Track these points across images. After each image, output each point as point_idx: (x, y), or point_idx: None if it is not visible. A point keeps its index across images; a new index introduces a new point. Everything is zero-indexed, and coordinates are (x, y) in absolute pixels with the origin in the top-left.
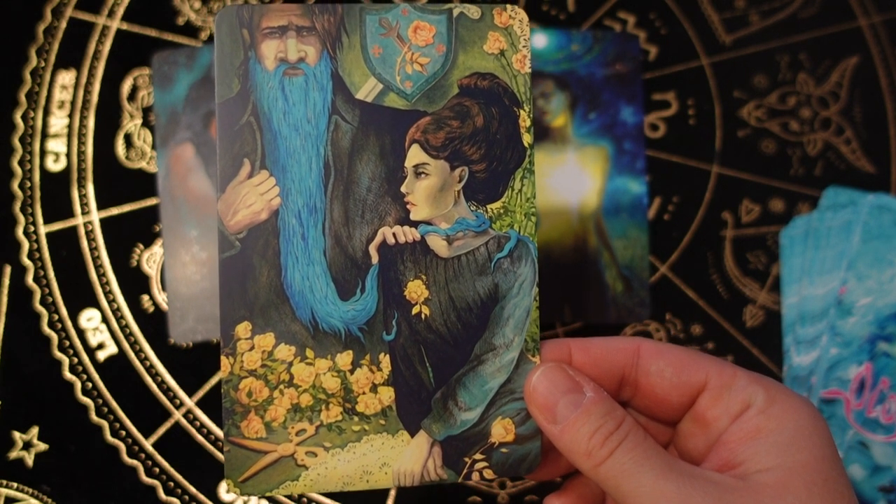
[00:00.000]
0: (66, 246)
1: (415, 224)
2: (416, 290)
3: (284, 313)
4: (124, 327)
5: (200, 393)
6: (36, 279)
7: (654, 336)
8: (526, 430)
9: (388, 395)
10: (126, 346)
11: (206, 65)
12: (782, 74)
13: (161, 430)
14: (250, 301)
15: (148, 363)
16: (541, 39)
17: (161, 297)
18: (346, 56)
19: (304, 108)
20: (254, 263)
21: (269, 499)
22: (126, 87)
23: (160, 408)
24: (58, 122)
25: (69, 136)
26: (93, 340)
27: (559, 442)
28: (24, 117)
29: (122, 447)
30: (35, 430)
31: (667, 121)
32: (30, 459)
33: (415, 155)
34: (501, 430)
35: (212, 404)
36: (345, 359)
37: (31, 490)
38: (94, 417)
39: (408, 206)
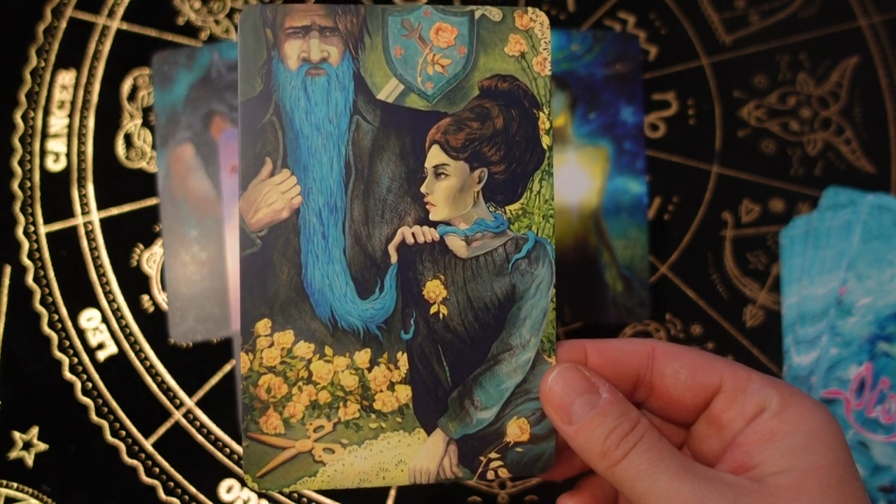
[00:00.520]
0: (66, 246)
1: (434, 224)
2: (434, 289)
3: (304, 311)
4: (124, 327)
5: (200, 393)
6: (36, 279)
7: (653, 336)
8: (541, 429)
9: (405, 393)
10: (126, 346)
11: (206, 65)
12: (782, 74)
13: (161, 430)
14: (270, 298)
15: (148, 363)
16: None
17: (161, 297)
18: (368, 56)
19: (326, 108)
20: (274, 261)
21: (268, 498)
22: (126, 87)
23: (160, 408)
24: (58, 122)
25: (69, 136)
26: (93, 340)
27: (574, 442)
28: (24, 117)
29: (122, 447)
30: (35, 430)
31: (667, 121)
32: (30, 459)
33: (435, 155)
34: (517, 430)
35: (212, 404)
36: (363, 357)
37: (31, 490)
38: (94, 417)
39: (427, 207)
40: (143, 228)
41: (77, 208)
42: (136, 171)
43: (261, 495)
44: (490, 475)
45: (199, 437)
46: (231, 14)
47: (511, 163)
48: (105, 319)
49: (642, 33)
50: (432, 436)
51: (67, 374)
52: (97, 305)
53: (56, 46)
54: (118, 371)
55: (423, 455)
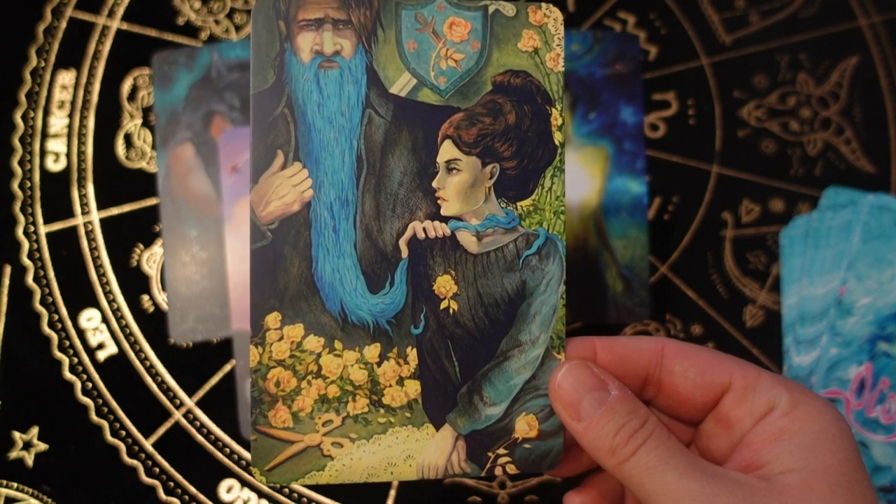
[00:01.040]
0: (66, 246)
1: (445, 219)
2: (444, 284)
3: (314, 305)
4: (124, 327)
5: (200, 393)
6: (36, 279)
7: (652, 336)
8: (549, 426)
9: (414, 388)
10: (126, 346)
11: (206, 65)
12: (782, 74)
13: (161, 430)
14: (280, 291)
15: (148, 363)
16: None
17: (161, 297)
18: (381, 50)
19: (339, 101)
20: (285, 254)
21: (268, 498)
22: (126, 87)
23: (160, 408)
24: (58, 122)
25: (69, 136)
26: (93, 340)
27: (583, 439)
28: (24, 117)
29: (122, 447)
30: (35, 430)
31: (667, 121)
32: (30, 459)
33: (447, 150)
34: (525, 426)
35: (212, 404)
36: (372, 351)
37: (31, 490)
38: (94, 417)
39: (438, 202)
40: (143, 228)
41: (77, 208)
42: (136, 171)
43: (262, 495)
44: (498, 471)
45: (199, 437)
46: (231, 14)
47: (523, 159)
48: (105, 319)
49: (642, 33)
50: (441, 431)
51: (67, 374)
52: (97, 305)
53: (56, 46)
54: (118, 371)
55: (431, 450)
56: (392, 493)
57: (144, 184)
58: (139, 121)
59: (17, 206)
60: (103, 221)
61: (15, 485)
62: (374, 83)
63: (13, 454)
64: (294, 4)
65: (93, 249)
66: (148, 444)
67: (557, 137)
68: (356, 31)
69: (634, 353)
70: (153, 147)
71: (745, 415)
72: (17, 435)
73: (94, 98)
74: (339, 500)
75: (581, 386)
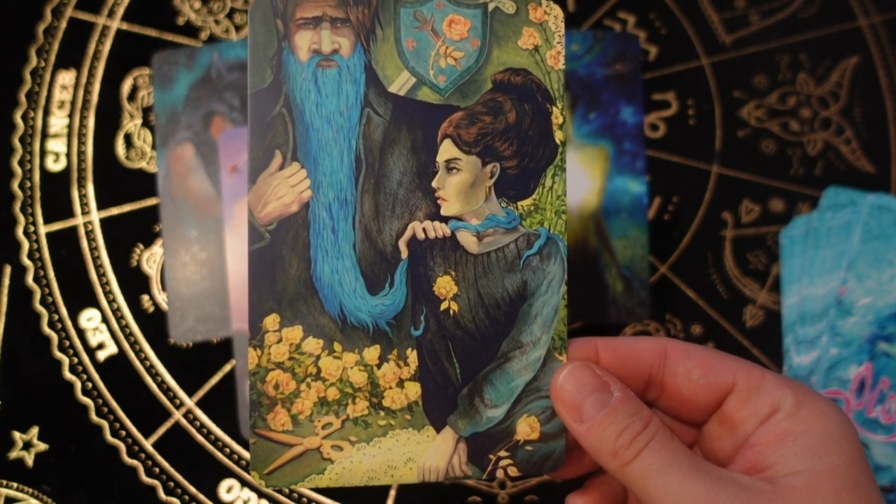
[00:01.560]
0: (66, 246)
1: (445, 219)
2: (445, 285)
3: (313, 306)
4: (124, 327)
5: (200, 393)
6: (36, 279)
7: (653, 336)
8: (551, 428)
9: (414, 390)
10: (126, 346)
11: (206, 65)
12: (782, 74)
13: (161, 430)
14: (279, 293)
15: (148, 363)
16: None
17: (161, 297)
18: (380, 48)
19: (337, 101)
20: (283, 255)
21: (268, 498)
22: (126, 87)
23: (160, 408)
24: (58, 122)
25: (69, 136)
26: (93, 340)
27: (585, 441)
28: (24, 117)
29: (122, 447)
30: (35, 430)
31: (667, 121)
32: (30, 459)
33: (447, 150)
34: (527, 428)
35: (212, 404)
36: (372, 353)
37: (31, 490)
38: (94, 417)
39: (438, 202)
40: (143, 228)
41: (77, 208)
42: (136, 171)
43: (261, 495)
44: (499, 474)
45: (199, 437)
46: (231, 14)
47: (523, 158)
48: (105, 319)
49: (642, 33)
50: (441, 433)
51: (67, 374)
52: (97, 305)
53: (56, 46)
54: (118, 371)
55: (432, 453)
56: (392, 492)
57: (144, 184)
58: (139, 121)
59: (17, 206)
60: (103, 221)
61: (15, 485)
62: (373, 82)
63: (13, 454)
64: (292, 3)
65: (93, 249)
66: (148, 444)
67: (558, 136)
68: (354, 29)
69: (637, 354)
70: (153, 147)
71: (749, 416)
72: (17, 435)
73: (94, 98)
74: (339, 499)
75: (583, 387)
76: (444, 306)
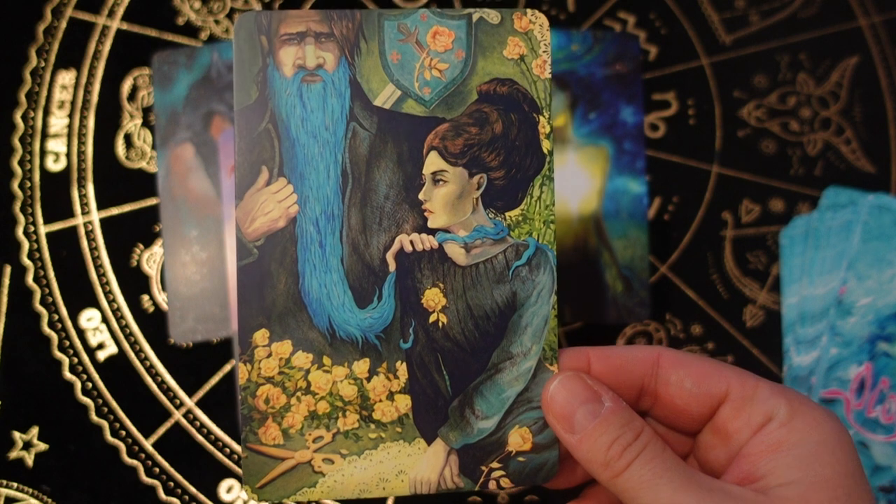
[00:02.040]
0: (66, 246)
1: (432, 232)
2: (433, 298)
3: (302, 321)
4: (124, 327)
5: (200, 393)
6: (36, 279)
7: (653, 336)
8: (543, 438)
9: (404, 402)
10: (126, 346)
11: (206, 65)
12: (782, 74)
13: (161, 430)
14: (268, 308)
15: (148, 363)
16: None
17: (161, 297)
18: (365, 62)
19: (323, 115)
20: (271, 271)
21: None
22: (126, 87)
23: (160, 408)
24: (58, 122)
25: (69, 136)
26: (93, 340)
27: (577, 452)
28: (24, 117)
29: (122, 447)
30: (35, 430)
31: (667, 121)
32: (30, 459)
33: (433, 162)
34: (518, 439)
35: (212, 404)
36: (362, 366)
37: (31, 490)
38: (94, 417)
39: (425, 214)
40: (143, 228)
41: (77, 208)
42: (136, 171)
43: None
44: (492, 485)
45: (199, 437)
46: (231, 14)
47: (511, 168)
48: (105, 319)
49: (642, 33)
50: (433, 446)
51: (67, 374)
52: (97, 305)
53: (56, 46)
54: (118, 371)
55: (423, 465)
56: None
57: (144, 184)
58: (139, 121)
59: (17, 206)
60: (103, 221)
61: (15, 485)
62: (358, 96)
63: (13, 454)
64: (276, 19)
65: (93, 249)
66: (148, 444)
67: (546, 145)
68: (339, 43)
69: (629, 363)
70: (153, 147)
71: (743, 426)
72: (17, 435)
73: (94, 98)
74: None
75: (574, 398)
76: (432, 318)
